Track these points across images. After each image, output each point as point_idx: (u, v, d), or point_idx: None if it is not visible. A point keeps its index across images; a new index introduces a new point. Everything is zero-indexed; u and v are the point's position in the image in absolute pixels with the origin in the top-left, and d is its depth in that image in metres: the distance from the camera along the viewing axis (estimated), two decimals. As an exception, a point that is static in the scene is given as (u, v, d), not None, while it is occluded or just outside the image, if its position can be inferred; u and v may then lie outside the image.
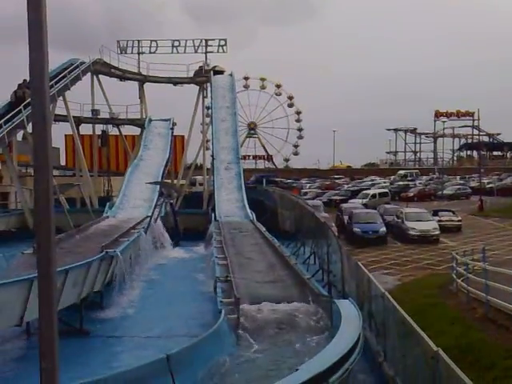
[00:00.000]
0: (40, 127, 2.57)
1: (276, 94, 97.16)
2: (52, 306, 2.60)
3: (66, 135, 42.31)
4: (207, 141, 43.35)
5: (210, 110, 39.94)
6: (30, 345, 10.86)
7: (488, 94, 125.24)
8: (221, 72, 39.33)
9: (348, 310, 9.52)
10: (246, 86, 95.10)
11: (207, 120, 41.85)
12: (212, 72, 38.34)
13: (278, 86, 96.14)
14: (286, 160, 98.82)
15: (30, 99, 2.65)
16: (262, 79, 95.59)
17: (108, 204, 28.55)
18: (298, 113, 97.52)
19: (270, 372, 7.79)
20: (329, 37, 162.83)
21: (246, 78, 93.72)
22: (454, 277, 16.62)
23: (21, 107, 27.40)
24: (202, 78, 38.80)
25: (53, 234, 2.57)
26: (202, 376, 7.60)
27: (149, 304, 14.91)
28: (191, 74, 38.96)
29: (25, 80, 29.30)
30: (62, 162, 48.88)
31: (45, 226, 2.57)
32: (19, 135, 33.36)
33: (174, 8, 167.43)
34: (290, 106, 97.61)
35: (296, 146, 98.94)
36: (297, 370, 6.43)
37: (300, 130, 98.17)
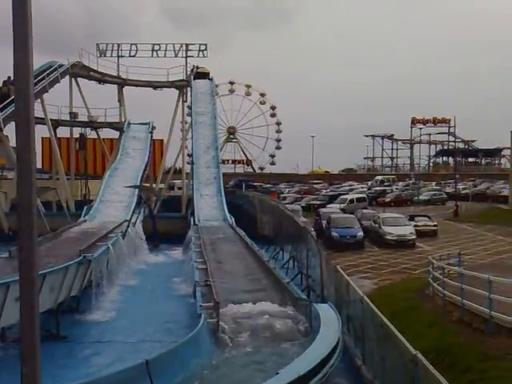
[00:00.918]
0: (24, 129, 2.54)
1: (260, 103, 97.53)
2: (34, 310, 2.57)
3: (42, 138, 41.67)
4: (186, 147, 43.22)
5: (189, 115, 39.89)
6: (5, 350, 10.66)
7: (464, 101, 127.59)
8: (206, 74, 39.57)
9: (327, 313, 9.58)
10: (232, 91, 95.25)
11: (187, 124, 41.74)
12: (193, 77, 38.38)
13: (248, 86, 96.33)
14: (262, 168, 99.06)
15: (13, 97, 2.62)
16: (231, 83, 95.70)
17: (85, 208, 28.26)
18: (273, 107, 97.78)
19: (250, 375, 7.80)
20: (306, 43, 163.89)
21: (232, 83, 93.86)
22: (431, 281, 16.83)
23: (-4, 109, 26.99)
24: (183, 82, 38.72)
25: (35, 237, 2.55)
26: (181, 380, 7.57)
27: (127, 309, 14.78)
28: (171, 78, 38.85)
29: (9, 77, 29.16)
30: (39, 165, 48.17)
31: (27, 228, 2.54)
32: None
33: (152, 11, 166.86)
34: (263, 103, 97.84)
35: (273, 156, 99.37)
36: (277, 373, 6.45)
37: (278, 140, 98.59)
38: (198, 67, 40.18)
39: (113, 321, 13.62)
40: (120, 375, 6.90)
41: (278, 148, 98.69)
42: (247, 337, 9.83)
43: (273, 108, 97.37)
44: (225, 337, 9.73)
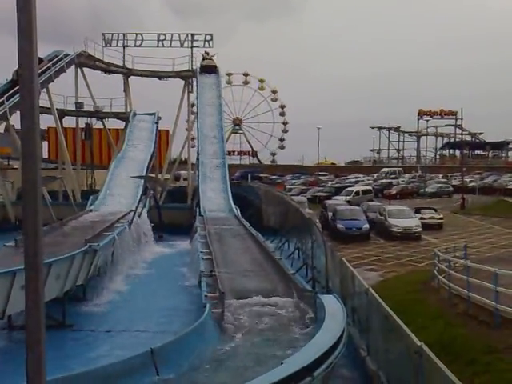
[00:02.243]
0: (29, 118, 2.52)
1: (259, 89, 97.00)
2: (39, 297, 2.57)
3: (48, 128, 41.77)
4: (192, 138, 43.16)
5: (195, 105, 39.80)
6: (12, 338, 10.75)
7: (471, 94, 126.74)
8: (213, 67, 39.21)
9: (332, 304, 9.58)
10: (229, 82, 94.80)
11: (192, 115, 41.69)
12: (198, 70, 38.21)
13: (262, 81, 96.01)
14: (273, 154, 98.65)
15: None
16: (245, 74, 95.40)
17: (91, 197, 28.34)
18: (283, 106, 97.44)
19: (254, 365, 7.82)
20: (313, 35, 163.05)
21: (229, 74, 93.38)
22: (436, 273, 16.80)
23: (3, 99, 27.05)
24: (188, 72, 38.62)
25: (40, 224, 2.54)
26: (186, 369, 7.60)
27: (132, 298, 14.85)
28: (177, 69, 38.76)
29: None
30: (45, 155, 48.32)
31: (32, 216, 2.53)
32: (1, 127, 32.90)
33: (156, 2, 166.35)
34: (274, 100, 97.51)
35: (282, 140, 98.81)
36: (282, 363, 6.46)
37: (285, 123, 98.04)
38: (207, 54, 39.92)
39: (118, 310, 13.69)
40: (125, 364, 6.93)
41: (285, 131, 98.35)
42: (252, 327, 9.84)
43: (274, 92, 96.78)
44: (230, 327, 9.75)
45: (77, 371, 6.60)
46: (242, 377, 6.65)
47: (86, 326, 12.20)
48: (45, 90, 31.32)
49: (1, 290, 9.81)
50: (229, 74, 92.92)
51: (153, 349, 7.12)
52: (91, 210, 25.67)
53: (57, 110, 33.74)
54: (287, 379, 6.06)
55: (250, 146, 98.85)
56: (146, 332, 11.42)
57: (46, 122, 35.84)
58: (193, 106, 42.40)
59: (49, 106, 32.62)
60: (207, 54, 40.06)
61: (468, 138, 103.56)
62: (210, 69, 38.94)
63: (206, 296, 11.35)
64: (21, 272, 9.03)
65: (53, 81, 32.01)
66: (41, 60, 32.73)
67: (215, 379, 7.50)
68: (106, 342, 11.15)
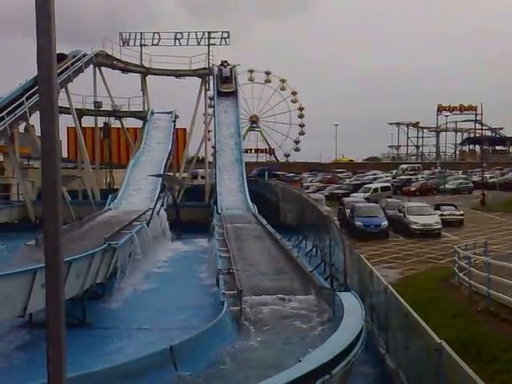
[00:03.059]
0: (48, 116, 2.55)
1: (280, 89, 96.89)
2: (59, 295, 2.59)
3: (68, 128, 42.23)
4: (209, 137, 43.27)
5: (212, 103, 39.87)
6: (33, 335, 10.90)
7: (491, 88, 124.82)
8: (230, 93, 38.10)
9: (350, 302, 9.53)
10: (251, 79, 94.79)
11: (210, 113, 41.78)
12: (216, 90, 37.78)
13: (283, 81, 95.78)
14: (287, 155, 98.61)
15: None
16: (267, 73, 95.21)
17: (110, 196, 28.60)
18: (301, 109, 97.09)
19: (272, 363, 7.82)
20: (328, 31, 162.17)
21: (251, 71, 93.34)
22: (456, 270, 16.62)
23: (23, 99, 27.41)
24: (205, 70, 38.71)
25: (60, 222, 2.56)
26: (205, 366, 7.64)
27: (151, 296, 14.94)
28: (194, 67, 38.87)
29: None
30: (64, 155, 48.90)
31: (52, 213, 2.56)
32: (21, 127, 33.37)
33: (170, 0, 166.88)
34: (294, 101, 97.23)
35: (297, 142, 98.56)
36: (300, 361, 6.44)
37: (302, 126, 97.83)
38: (226, 62, 39.44)
39: (137, 308, 13.79)
40: (144, 361, 6.98)
41: (302, 133, 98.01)
42: (270, 324, 9.85)
43: (294, 93, 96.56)
44: (248, 324, 9.77)
45: (96, 368, 6.67)
46: (259, 374, 6.66)
47: (106, 324, 12.31)
48: (64, 89, 31.68)
49: (22, 288, 9.94)
50: (251, 71, 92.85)
51: (172, 346, 7.17)
52: (110, 209, 25.91)
53: (76, 109, 34.08)
54: (305, 377, 6.05)
55: (267, 143, 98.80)
56: (165, 330, 11.48)
57: (65, 121, 36.27)
58: (211, 99, 42.33)
59: (68, 105, 32.99)
60: (226, 62, 39.46)
61: (488, 133, 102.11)
62: (227, 94, 37.97)
63: (223, 294, 11.38)
64: (41, 270, 9.15)
65: (71, 81, 32.36)
66: (64, 56, 33.28)
67: (233, 377, 7.52)
68: (124, 340, 11.24)
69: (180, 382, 7.13)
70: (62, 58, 32.67)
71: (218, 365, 7.85)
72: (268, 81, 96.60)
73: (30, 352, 9.99)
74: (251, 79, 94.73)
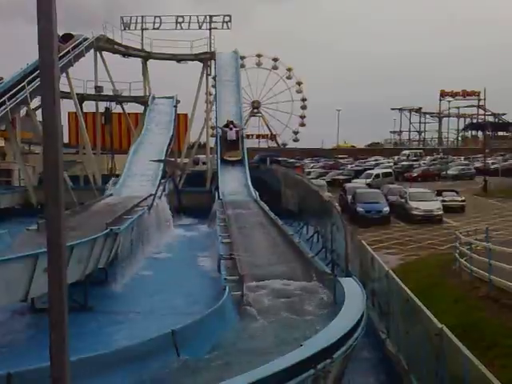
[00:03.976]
0: (49, 99, 2.52)
1: (273, 68, 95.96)
2: (62, 278, 2.59)
3: (69, 113, 42.08)
4: (211, 119, 43.13)
5: (213, 88, 39.67)
6: (35, 320, 10.96)
7: (494, 73, 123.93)
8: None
9: (352, 287, 9.55)
10: (243, 66, 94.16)
11: (211, 98, 41.59)
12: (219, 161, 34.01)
13: (275, 60, 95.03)
14: (296, 132, 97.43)
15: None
16: (258, 56, 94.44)
17: (111, 181, 28.57)
18: (299, 83, 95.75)
19: (273, 347, 7.86)
20: (331, 16, 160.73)
21: (242, 58, 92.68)
22: (457, 256, 16.63)
23: (24, 83, 27.29)
24: (206, 54, 38.46)
25: (62, 205, 2.55)
26: (207, 350, 7.68)
27: (152, 281, 15.01)
28: (195, 51, 38.61)
29: (58, 35, 29.94)
30: (65, 140, 48.79)
31: (54, 197, 2.54)
32: (22, 112, 33.25)
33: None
34: (289, 78, 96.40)
35: (302, 117, 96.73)
36: (301, 345, 6.47)
37: (304, 99, 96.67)
38: (232, 123, 32.15)
39: (138, 293, 13.86)
40: (146, 345, 7.02)
41: (302, 125, 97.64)
42: (271, 310, 9.89)
43: (299, 84, 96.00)
44: (249, 309, 9.80)
45: (98, 352, 6.71)
46: (261, 358, 6.69)
47: (107, 309, 12.38)
48: (64, 74, 31.51)
49: (24, 272, 9.98)
50: (242, 58, 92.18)
51: (174, 330, 7.20)
52: (111, 194, 25.92)
53: (76, 94, 33.92)
54: (307, 361, 6.08)
55: (269, 129, 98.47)
56: (167, 314, 11.54)
57: (66, 106, 36.14)
58: (212, 86, 42.16)
59: (69, 90, 32.83)
60: (232, 123, 32.45)
61: (491, 118, 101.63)
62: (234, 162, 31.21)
63: (225, 279, 11.42)
64: (43, 255, 9.16)
65: (72, 65, 32.14)
66: (71, 36, 33.19)
67: (235, 361, 7.56)
68: (126, 324, 11.31)
69: (182, 367, 7.18)
70: (68, 37, 32.67)
71: (219, 349, 7.90)
72: (259, 63, 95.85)
73: (32, 337, 10.05)
74: (243, 66, 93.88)
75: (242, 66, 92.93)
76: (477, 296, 13.44)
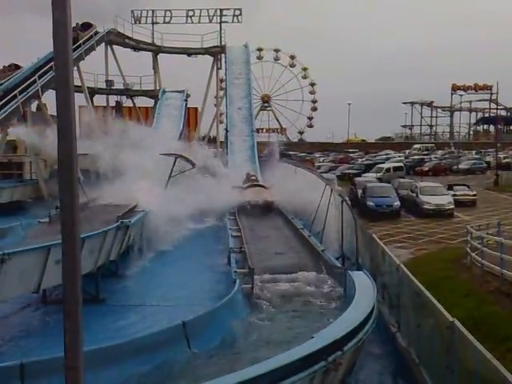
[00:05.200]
0: (64, 88, 2.54)
1: (290, 66, 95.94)
2: (76, 267, 2.62)
3: (80, 106, 42.27)
4: (221, 114, 43.13)
5: (224, 82, 39.64)
6: (47, 311, 11.07)
7: (507, 67, 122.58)
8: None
9: (362, 281, 9.55)
10: (260, 58, 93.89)
11: (221, 92, 41.58)
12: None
13: (292, 58, 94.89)
14: (301, 133, 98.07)
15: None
16: (276, 50, 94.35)
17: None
18: (313, 84, 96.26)
19: (284, 339, 7.89)
20: (343, 8, 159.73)
21: (260, 50, 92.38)
22: (469, 250, 16.54)
23: (35, 77, 27.43)
24: (217, 48, 38.42)
25: (77, 196, 2.57)
26: (217, 342, 7.72)
27: (163, 273, 15.06)
28: (205, 45, 38.57)
29: (77, 23, 30.61)
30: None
31: (69, 188, 2.57)
32: (33, 105, 33.43)
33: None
34: (305, 77, 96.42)
35: (310, 118, 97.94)
36: (312, 337, 6.49)
37: (314, 101, 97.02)
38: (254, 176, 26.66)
39: (149, 285, 13.92)
40: (157, 336, 7.07)
41: (315, 109, 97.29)
42: (282, 302, 9.91)
43: (304, 69, 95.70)
44: (259, 302, 9.84)
45: (110, 343, 6.77)
46: (272, 350, 6.72)
47: (119, 301, 12.45)
48: (76, 68, 31.63)
49: (36, 264, 10.06)
50: (259, 50, 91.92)
51: (184, 322, 7.25)
52: (122, 188, 25.92)
53: (87, 88, 34.05)
54: (317, 353, 6.10)
55: (279, 123, 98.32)
56: (177, 306, 11.58)
57: (76, 100, 36.25)
58: (222, 81, 42.17)
59: (80, 84, 32.95)
60: (253, 176, 27.06)
61: (503, 112, 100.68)
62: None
63: (235, 272, 11.45)
64: (55, 247, 9.24)
65: (83, 59, 32.27)
66: (90, 24, 33.51)
67: (245, 352, 7.60)
68: (137, 316, 11.37)
69: (193, 359, 7.23)
70: (87, 26, 33.01)
71: (230, 341, 7.94)
72: (277, 58, 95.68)
73: (44, 328, 10.15)
74: (260, 58, 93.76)
75: (260, 57, 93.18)
76: (488, 290, 13.37)
